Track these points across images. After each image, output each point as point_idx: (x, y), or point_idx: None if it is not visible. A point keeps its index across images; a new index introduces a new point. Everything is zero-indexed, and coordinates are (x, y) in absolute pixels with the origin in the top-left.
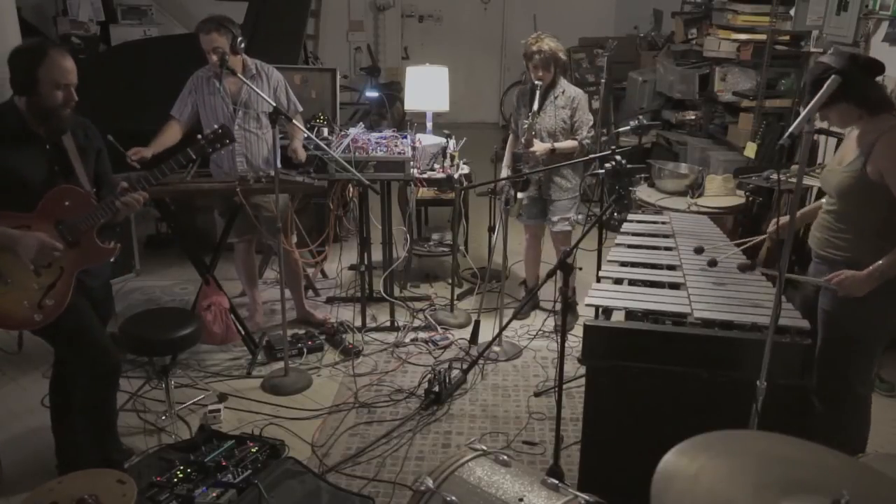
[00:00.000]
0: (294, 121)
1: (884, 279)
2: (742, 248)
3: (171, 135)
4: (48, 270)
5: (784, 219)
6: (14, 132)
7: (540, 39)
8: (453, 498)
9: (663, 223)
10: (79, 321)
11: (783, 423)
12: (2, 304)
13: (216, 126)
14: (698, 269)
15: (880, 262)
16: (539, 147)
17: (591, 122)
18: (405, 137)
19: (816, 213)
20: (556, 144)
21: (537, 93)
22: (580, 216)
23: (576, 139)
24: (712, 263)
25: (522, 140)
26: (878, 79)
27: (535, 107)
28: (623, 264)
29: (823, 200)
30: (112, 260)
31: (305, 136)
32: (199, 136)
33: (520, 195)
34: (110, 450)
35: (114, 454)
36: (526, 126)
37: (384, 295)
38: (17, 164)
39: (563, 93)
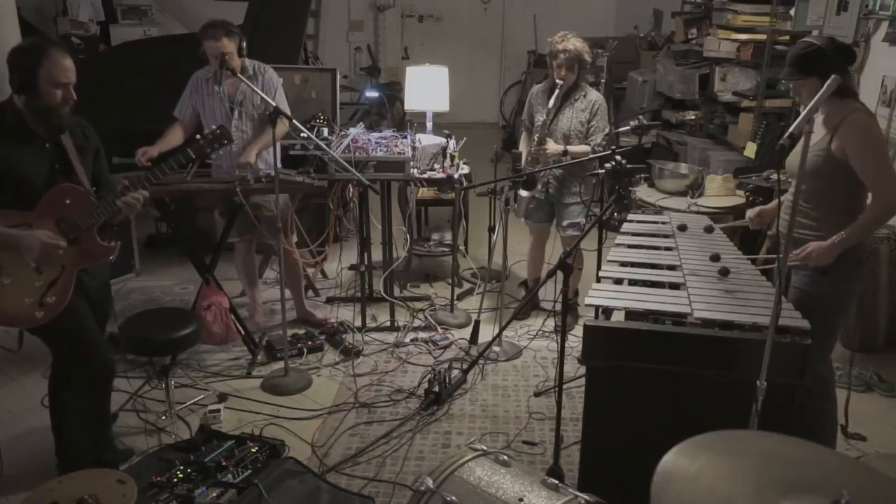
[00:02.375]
0: (293, 121)
1: (845, 247)
2: (724, 226)
3: (175, 136)
4: (49, 268)
5: (761, 207)
6: (14, 131)
7: (566, 38)
8: (453, 498)
9: (663, 223)
10: (76, 322)
11: (783, 423)
12: (3, 302)
13: (214, 127)
14: (698, 269)
15: (844, 231)
16: (552, 147)
17: (607, 130)
18: (405, 137)
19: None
20: (570, 147)
21: (556, 92)
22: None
23: (588, 144)
24: (724, 272)
25: (535, 138)
26: (882, 77)
27: (550, 104)
28: (623, 264)
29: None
30: (112, 259)
31: (304, 135)
32: (198, 137)
33: (524, 193)
34: (104, 452)
35: (107, 455)
36: (539, 124)
37: (384, 295)
38: (18, 163)
39: (584, 96)
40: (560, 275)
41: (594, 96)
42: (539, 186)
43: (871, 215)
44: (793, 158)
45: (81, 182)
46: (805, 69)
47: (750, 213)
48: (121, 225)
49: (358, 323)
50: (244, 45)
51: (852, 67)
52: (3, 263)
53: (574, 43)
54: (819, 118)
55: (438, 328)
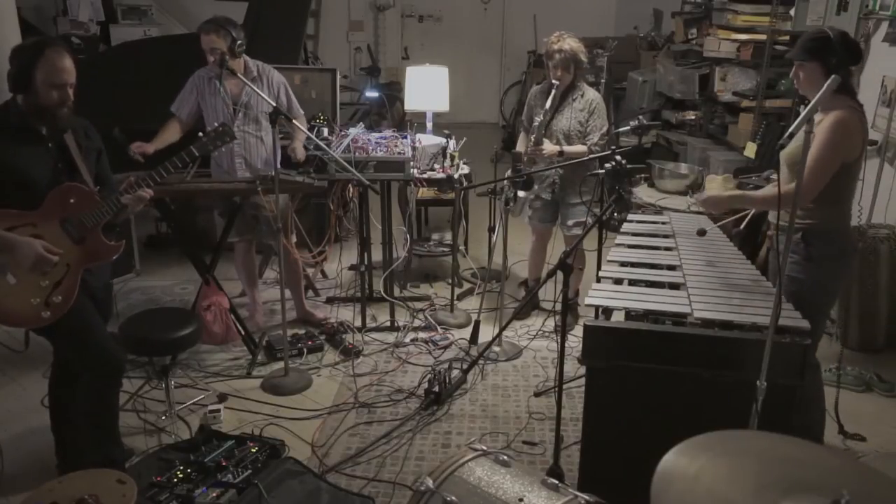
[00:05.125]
0: (295, 122)
1: (737, 204)
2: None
3: (172, 132)
4: (55, 268)
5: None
6: (18, 130)
7: (561, 39)
8: (453, 498)
9: (663, 223)
10: (83, 321)
11: (783, 423)
12: (9, 302)
13: (217, 124)
14: (698, 269)
15: (745, 191)
16: (548, 147)
17: (604, 130)
18: (405, 137)
19: None
20: (566, 147)
21: (552, 93)
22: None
23: (586, 143)
24: (701, 233)
25: (532, 138)
26: (882, 77)
27: (548, 104)
28: (623, 264)
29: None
30: (114, 258)
31: (305, 136)
32: (201, 134)
33: (522, 193)
34: (112, 450)
35: (116, 453)
36: (536, 124)
37: (384, 295)
38: (23, 162)
39: (581, 96)
40: (560, 275)
41: (592, 95)
42: (536, 186)
43: (775, 193)
44: (784, 153)
45: (85, 181)
46: (809, 52)
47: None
48: (123, 224)
49: (358, 323)
50: (237, 45)
51: (855, 67)
52: (7, 264)
53: (569, 43)
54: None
55: (438, 328)
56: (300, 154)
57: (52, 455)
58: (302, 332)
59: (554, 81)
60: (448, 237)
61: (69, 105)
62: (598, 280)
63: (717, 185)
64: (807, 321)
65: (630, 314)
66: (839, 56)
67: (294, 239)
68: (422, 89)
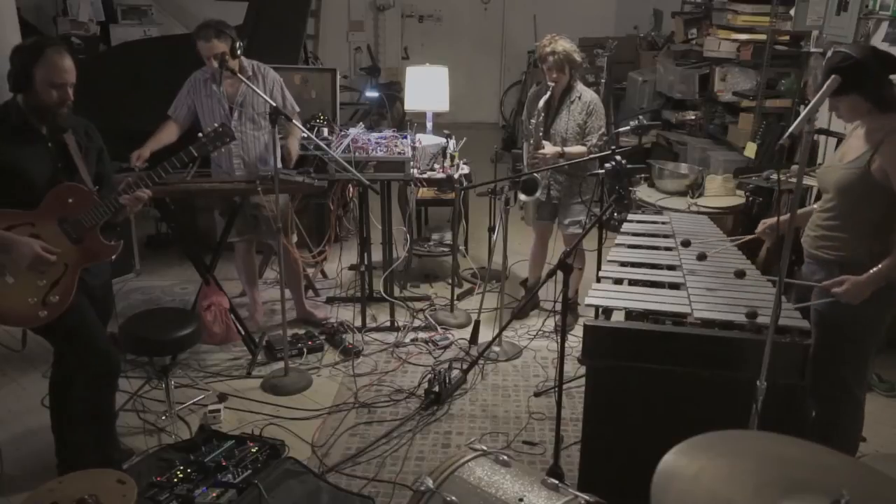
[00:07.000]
0: (293, 121)
1: (884, 283)
2: (736, 243)
3: (168, 134)
4: (53, 267)
5: (773, 220)
6: (18, 130)
7: (553, 41)
8: (453, 498)
9: (663, 223)
10: (80, 320)
11: (783, 423)
12: (7, 302)
13: (216, 124)
14: (699, 269)
15: (881, 265)
16: (549, 149)
17: (603, 130)
18: (405, 137)
19: (809, 218)
20: (566, 149)
21: (546, 95)
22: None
23: (585, 144)
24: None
25: (531, 142)
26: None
27: (540, 105)
28: (623, 264)
29: (816, 205)
30: (112, 258)
31: (304, 135)
32: (200, 135)
33: (524, 197)
34: (109, 450)
35: (113, 454)
36: (531, 127)
37: (384, 295)
38: (22, 162)
39: (579, 98)
40: (560, 275)
41: (589, 97)
42: (539, 192)
43: None
44: (825, 172)
45: (84, 182)
46: (841, 86)
47: (759, 229)
48: (122, 224)
49: (358, 323)
50: (238, 45)
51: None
52: (5, 263)
53: (562, 44)
54: (860, 132)
55: (438, 328)
56: (294, 154)
57: (52, 455)
58: (302, 332)
59: (549, 83)
60: (448, 237)
61: (69, 105)
62: (598, 280)
63: (717, 185)
64: (806, 322)
65: (630, 314)
66: (873, 74)
67: (294, 239)
68: (422, 89)
